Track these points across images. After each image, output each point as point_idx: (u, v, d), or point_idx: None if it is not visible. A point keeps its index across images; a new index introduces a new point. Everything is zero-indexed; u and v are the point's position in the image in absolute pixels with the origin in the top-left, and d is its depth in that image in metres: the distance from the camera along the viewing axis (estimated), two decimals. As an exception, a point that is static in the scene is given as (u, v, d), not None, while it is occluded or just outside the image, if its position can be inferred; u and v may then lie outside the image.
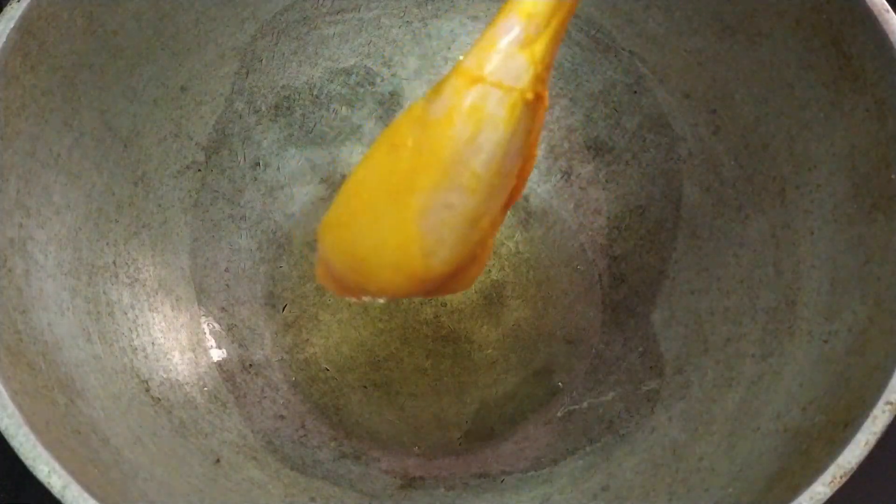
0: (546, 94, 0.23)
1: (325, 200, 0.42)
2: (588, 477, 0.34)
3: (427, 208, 0.22)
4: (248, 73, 0.41)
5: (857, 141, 0.32)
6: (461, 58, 0.23)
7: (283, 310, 0.40)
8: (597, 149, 0.42)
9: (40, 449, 0.26)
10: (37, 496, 0.29)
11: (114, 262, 0.36)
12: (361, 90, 0.43)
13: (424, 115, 0.22)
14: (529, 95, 0.22)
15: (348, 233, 0.23)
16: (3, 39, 0.31)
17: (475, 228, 0.23)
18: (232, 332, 0.38)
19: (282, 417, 0.37)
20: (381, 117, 0.43)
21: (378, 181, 0.23)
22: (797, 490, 0.26)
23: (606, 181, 0.41)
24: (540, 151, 0.42)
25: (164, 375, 0.35)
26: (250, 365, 0.38)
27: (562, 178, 0.43)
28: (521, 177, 0.24)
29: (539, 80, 0.23)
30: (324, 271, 0.25)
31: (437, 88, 0.23)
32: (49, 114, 0.33)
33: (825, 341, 0.31)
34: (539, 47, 0.22)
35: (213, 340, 0.38)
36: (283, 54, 0.42)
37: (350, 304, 0.40)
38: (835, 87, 0.33)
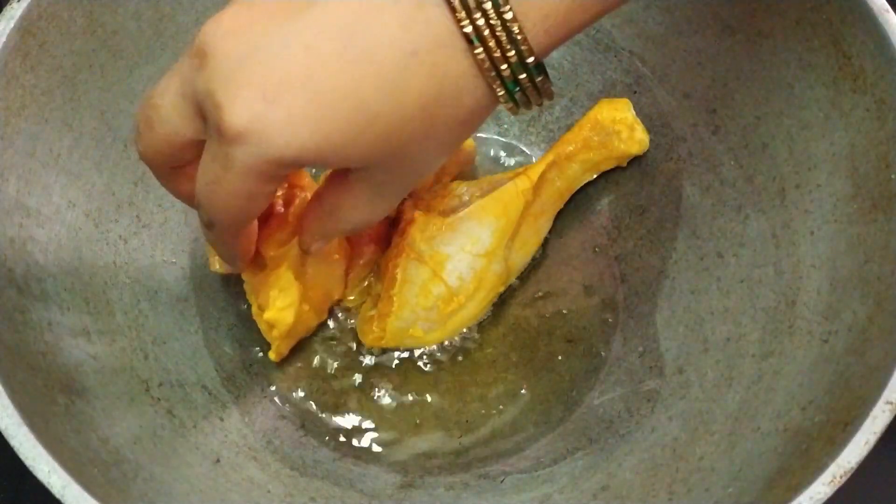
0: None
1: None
2: (588, 477, 0.34)
3: None
4: (248, 73, 0.41)
5: (857, 141, 0.32)
6: None
7: (283, 310, 0.40)
8: (597, 149, 0.42)
9: (40, 449, 0.26)
10: (37, 496, 0.29)
11: (114, 262, 0.36)
12: (361, 90, 0.43)
13: None
14: None
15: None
16: (3, 39, 0.31)
17: None
18: (232, 332, 0.38)
19: (282, 417, 0.37)
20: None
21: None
22: (797, 490, 0.26)
23: (606, 181, 0.41)
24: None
25: (164, 375, 0.35)
26: (250, 365, 0.38)
27: (562, 178, 0.43)
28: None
29: None
30: (376, 340, 0.38)
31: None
32: (49, 114, 0.33)
33: (825, 341, 0.31)
34: None
35: (213, 340, 0.38)
36: (283, 54, 0.41)
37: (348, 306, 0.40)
38: (835, 87, 0.33)
